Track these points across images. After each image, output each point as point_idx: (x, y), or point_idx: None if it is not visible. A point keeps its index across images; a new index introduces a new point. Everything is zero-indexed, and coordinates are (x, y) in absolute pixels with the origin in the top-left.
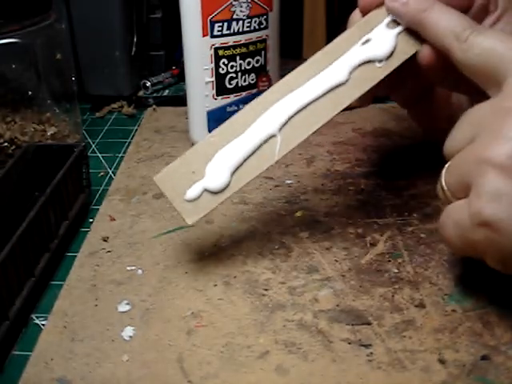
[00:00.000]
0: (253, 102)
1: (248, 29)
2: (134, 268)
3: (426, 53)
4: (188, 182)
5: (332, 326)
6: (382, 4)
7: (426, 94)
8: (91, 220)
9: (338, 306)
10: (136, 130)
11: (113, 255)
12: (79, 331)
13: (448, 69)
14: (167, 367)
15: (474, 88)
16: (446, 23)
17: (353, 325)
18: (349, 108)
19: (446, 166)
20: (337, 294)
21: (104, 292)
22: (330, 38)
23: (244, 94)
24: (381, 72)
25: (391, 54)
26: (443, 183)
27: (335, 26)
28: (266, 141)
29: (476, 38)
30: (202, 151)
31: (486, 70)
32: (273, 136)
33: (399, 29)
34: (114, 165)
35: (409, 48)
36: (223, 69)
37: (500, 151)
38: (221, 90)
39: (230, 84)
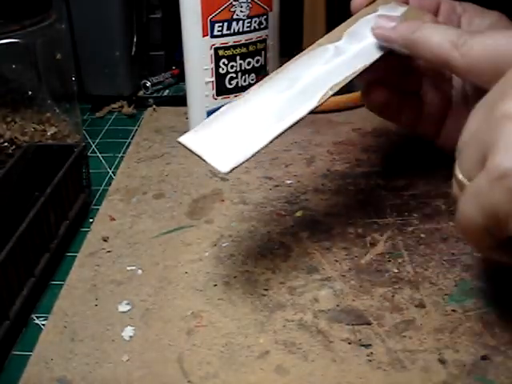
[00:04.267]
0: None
1: (248, 29)
2: (133, 268)
3: None
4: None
5: (332, 326)
6: None
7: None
8: (91, 220)
9: (338, 306)
10: (136, 130)
11: (113, 255)
12: (79, 331)
13: None
14: (167, 367)
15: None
16: (440, 36)
17: (353, 325)
18: (349, 108)
19: (458, 152)
20: (337, 294)
21: (104, 292)
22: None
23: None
24: None
25: None
26: (458, 172)
27: (335, 25)
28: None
29: (474, 39)
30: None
31: (491, 69)
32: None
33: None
34: (114, 165)
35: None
36: (223, 69)
37: None
38: (221, 89)
39: (230, 84)
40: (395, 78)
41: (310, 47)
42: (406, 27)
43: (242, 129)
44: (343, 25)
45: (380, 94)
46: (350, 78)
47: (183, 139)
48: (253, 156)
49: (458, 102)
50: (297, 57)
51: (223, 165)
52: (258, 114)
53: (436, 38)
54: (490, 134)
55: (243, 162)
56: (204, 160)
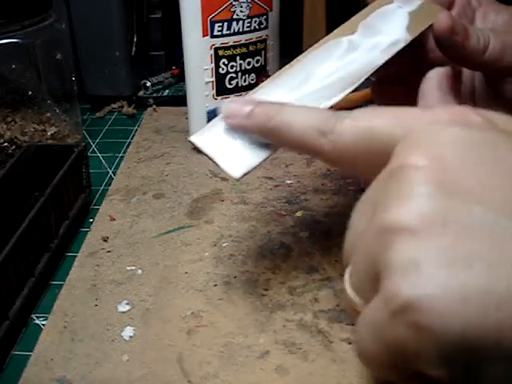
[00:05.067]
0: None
1: (248, 29)
2: (133, 268)
3: (443, 20)
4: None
5: (332, 326)
6: None
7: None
8: (91, 220)
9: (338, 305)
10: (136, 130)
11: (113, 255)
12: (79, 331)
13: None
14: (167, 367)
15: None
16: (303, 122)
17: (353, 325)
18: (349, 108)
19: (347, 269)
20: (337, 294)
21: (104, 292)
22: (336, 29)
23: (244, 94)
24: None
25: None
26: (348, 287)
27: (335, 26)
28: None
29: (344, 123)
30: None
31: (369, 151)
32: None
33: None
34: (114, 165)
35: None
36: (223, 69)
37: (404, 212)
38: (221, 89)
39: (230, 84)
40: (406, 73)
41: (323, 40)
42: (262, 112)
43: None
44: (357, 16)
45: (391, 91)
46: (364, 78)
47: (196, 139)
48: (265, 160)
49: (466, 97)
50: (310, 49)
51: (235, 170)
52: None
53: (298, 124)
54: (378, 249)
55: (256, 167)
56: (216, 164)
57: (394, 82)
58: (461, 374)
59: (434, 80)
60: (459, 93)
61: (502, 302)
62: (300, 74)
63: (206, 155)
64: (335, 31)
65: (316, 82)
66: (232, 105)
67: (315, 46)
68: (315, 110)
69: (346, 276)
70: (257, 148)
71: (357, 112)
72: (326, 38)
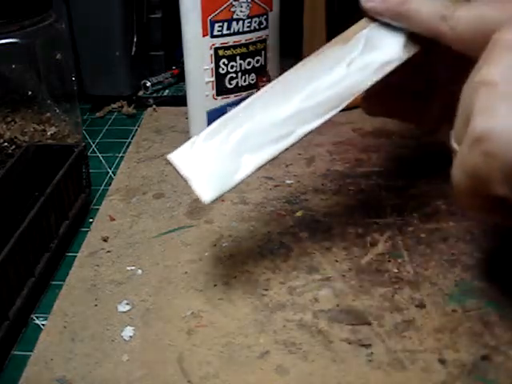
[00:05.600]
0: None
1: (248, 29)
2: (133, 268)
3: None
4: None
5: (332, 325)
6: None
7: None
8: (91, 220)
9: (338, 305)
10: (136, 130)
11: (113, 255)
12: (79, 331)
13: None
14: (167, 367)
15: None
16: (428, 8)
17: (353, 325)
18: (349, 108)
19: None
20: (337, 294)
21: (104, 292)
22: (330, 38)
23: (244, 94)
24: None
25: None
26: (451, 137)
27: (335, 26)
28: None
29: (460, 11)
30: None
31: (481, 34)
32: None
33: None
34: (114, 165)
35: None
36: (223, 69)
37: (490, 70)
38: (221, 89)
39: (230, 84)
40: (403, 80)
41: (319, 50)
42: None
43: (237, 150)
44: (355, 26)
45: (379, 105)
46: (350, 99)
47: (173, 158)
48: (237, 185)
49: None
50: (304, 61)
51: (206, 194)
52: (256, 133)
53: (425, 12)
54: (470, 100)
55: (227, 192)
56: (190, 185)
57: (397, 89)
58: None
59: None
60: None
61: None
62: (283, 93)
63: (181, 175)
64: (332, 42)
65: (299, 103)
66: None
67: (309, 58)
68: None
69: (452, 133)
70: (230, 172)
71: (474, 1)
72: (320, 49)
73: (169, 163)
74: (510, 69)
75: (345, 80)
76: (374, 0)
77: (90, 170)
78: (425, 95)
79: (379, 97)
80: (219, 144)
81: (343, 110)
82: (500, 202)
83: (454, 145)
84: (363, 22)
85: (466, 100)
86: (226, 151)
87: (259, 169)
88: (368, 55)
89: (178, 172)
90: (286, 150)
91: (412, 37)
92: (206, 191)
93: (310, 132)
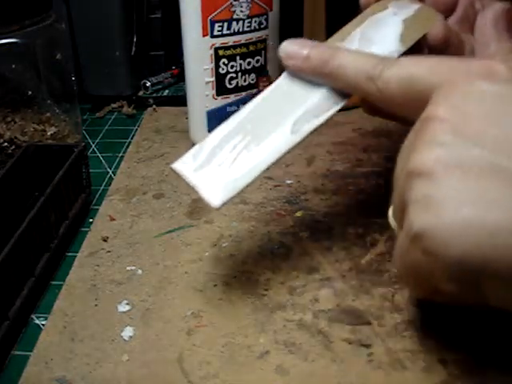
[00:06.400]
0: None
1: (248, 29)
2: (133, 268)
3: (437, 30)
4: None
5: (332, 325)
6: None
7: None
8: (91, 220)
9: (338, 305)
10: (136, 129)
11: (113, 255)
12: (79, 331)
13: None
14: (167, 367)
15: None
16: (354, 67)
17: (353, 325)
18: (349, 108)
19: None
20: (337, 294)
21: (104, 292)
22: (329, 37)
23: (244, 94)
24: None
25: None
26: (390, 215)
27: (335, 26)
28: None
29: (389, 70)
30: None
31: (411, 98)
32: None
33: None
34: (114, 165)
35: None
36: (223, 69)
37: (423, 158)
38: (221, 89)
39: (230, 84)
40: None
41: None
42: (318, 56)
43: (241, 154)
44: (351, 24)
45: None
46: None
47: (178, 167)
48: (245, 188)
49: None
50: None
51: (216, 199)
52: (259, 136)
53: (350, 69)
54: (404, 189)
55: (236, 195)
56: (198, 192)
57: None
58: (467, 288)
59: (490, 17)
60: None
61: (494, 232)
62: (283, 99)
63: (188, 183)
64: (329, 41)
65: (307, 102)
66: (290, 47)
67: None
68: (366, 56)
69: (390, 211)
70: (236, 176)
71: (403, 60)
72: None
73: (169, 163)
74: (446, 156)
75: None
76: (294, 57)
77: (90, 170)
78: None
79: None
80: (225, 152)
81: (343, 110)
82: (445, 295)
83: (393, 222)
84: (359, 18)
85: (400, 184)
86: (231, 159)
87: (265, 172)
88: (366, 50)
89: (184, 180)
90: (291, 150)
91: (409, 27)
92: (215, 197)
93: (316, 129)
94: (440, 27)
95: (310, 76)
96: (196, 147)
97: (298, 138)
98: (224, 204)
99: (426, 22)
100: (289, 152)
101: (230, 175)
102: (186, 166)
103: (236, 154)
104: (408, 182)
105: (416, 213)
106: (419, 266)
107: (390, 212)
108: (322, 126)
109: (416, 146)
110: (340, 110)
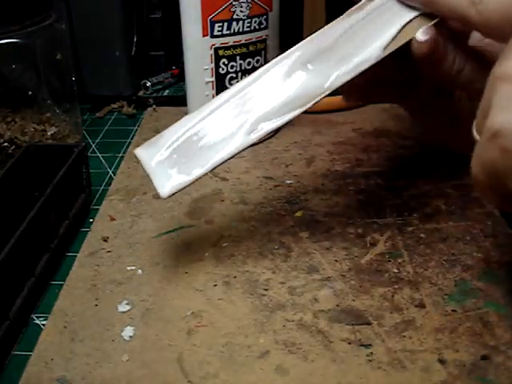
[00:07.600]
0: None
1: (248, 29)
2: (133, 268)
3: (423, 40)
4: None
5: (332, 325)
6: None
7: (436, 98)
8: (91, 220)
9: (338, 305)
10: (136, 129)
11: (113, 255)
12: (79, 331)
13: (443, 58)
14: (167, 367)
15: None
16: None
17: (353, 325)
18: (349, 108)
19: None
20: (337, 294)
21: (104, 292)
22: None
23: None
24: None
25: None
26: (473, 128)
27: None
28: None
29: None
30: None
31: (506, 24)
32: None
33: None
34: (114, 165)
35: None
36: (223, 69)
37: (509, 65)
38: (221, 90)
39: (230, 84)
40: (392, 74)
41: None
42: None
43: (198, 148)
44: (336, 21)
45: (378, 91)
46: (324, 94)
47: (138, 153)
48: (195, 181)
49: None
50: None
51: (165, 189)
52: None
53: None
54: (490, 92)
55: (185, 187)
56: (150, 179)
57: (381, 83)
58: None
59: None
60: None
61: None
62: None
63: (143, 169)
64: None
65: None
66: None
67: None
68: None
69: (474, 122)
70: (191, 167)
71: None
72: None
73: None
74: None
75: (316, 77)
76: None
77: (90, 170)
78: (410, 82)
79: (360, 90)
80: (182, 143)
81: (343, 110)
82: None
83: (476, 134)
84: (344, 17)
85: (487, 92)
86: (188, 150)
87: (218, 166)
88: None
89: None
90: (248, 147)
91: (395, 33)
92: (164, 186)
93: (273, 131)
94: (425, 35)
95: (418, 3)
96: (158, 136)
97: (253, 138)
98: (172, 194)
99: (411, 28)
100: (244, 150)
101: (183, 168)
102: (144, 152)
103: (193, 147)
104: (494, 85)
105: (497, 113)
106: (496, 166)
107: (474, 125)
108: (279, 128)
109: (506, 53)
110: (340, 110)
